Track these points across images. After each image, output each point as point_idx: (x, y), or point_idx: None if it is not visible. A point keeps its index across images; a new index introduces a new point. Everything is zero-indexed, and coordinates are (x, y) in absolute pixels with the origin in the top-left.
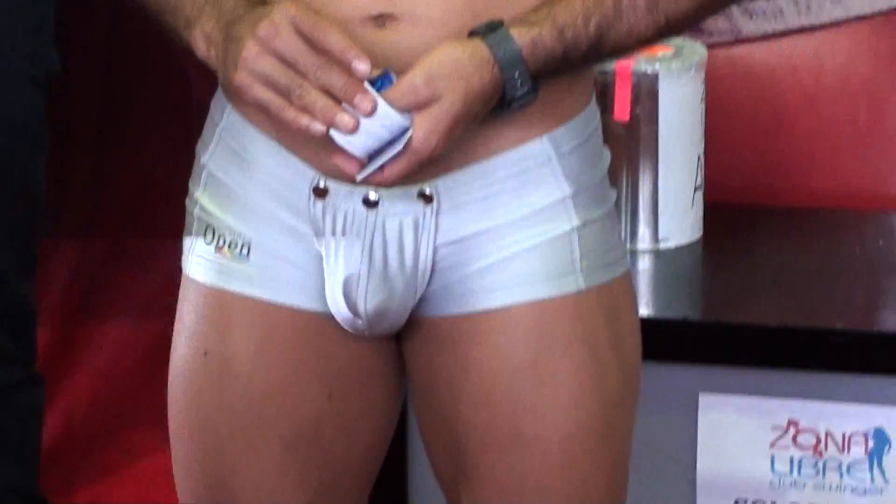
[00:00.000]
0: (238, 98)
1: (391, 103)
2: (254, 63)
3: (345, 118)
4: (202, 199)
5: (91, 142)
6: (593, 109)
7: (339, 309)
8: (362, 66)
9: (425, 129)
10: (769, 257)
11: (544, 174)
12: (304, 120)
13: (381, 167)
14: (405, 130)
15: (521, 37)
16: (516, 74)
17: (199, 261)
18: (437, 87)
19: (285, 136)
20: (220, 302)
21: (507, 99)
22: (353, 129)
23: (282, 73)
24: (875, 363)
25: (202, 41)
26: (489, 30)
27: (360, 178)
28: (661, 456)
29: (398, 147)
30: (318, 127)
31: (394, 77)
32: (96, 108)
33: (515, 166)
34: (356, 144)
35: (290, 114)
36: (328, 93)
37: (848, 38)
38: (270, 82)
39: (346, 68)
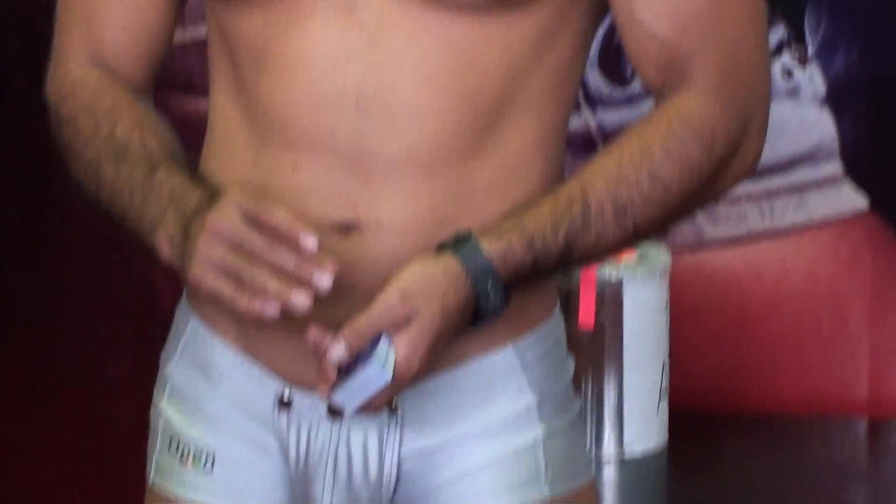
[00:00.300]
0: (198, 295)
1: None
2: (206, 252)
3: (300, 297)
4: (166, 409)
5: (53, 348)
6: (557, 317)
7: None
8: (311, 241)
9: (407, 351)
10: (735, 464)
11: (509, 384)
12: (258, 305)
13: (367, 406)
14: (377, 343)
15: (491, 248)
16: (489, 286)
17: (162, 472)
18: (413, 304)
19: (249, 344)
20: None
21: (481, 311)
22: (308, 306)
23: (233, 258)
24: None
25: (165, 244)
26: (458, 242)
27: (350, 411)
28: None
29: (375, 384)
30: (272, 310)
31: (386, 346)
32: (59, 317)
33: (480, 376)
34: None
35: (242, 302)
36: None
37: (811, 242)
38: (223, 270)
39: (295, 245)
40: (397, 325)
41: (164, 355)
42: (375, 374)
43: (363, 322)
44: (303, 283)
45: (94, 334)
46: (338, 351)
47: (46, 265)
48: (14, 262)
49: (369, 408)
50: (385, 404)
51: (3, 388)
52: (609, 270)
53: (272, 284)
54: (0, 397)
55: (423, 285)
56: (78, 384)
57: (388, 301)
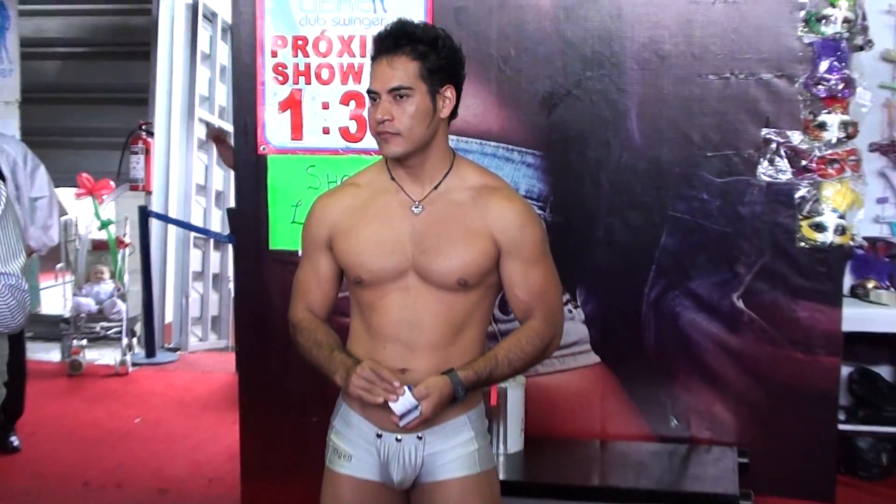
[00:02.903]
0: (350, 395)
1: (413, 396)
2: (356, 381)
3: (391, 395)
4: (332, 437)
5: None
6: (482, 403)
7: (386, 480)
8: (397, 383)
9: (426, 408)
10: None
11: (465, 428)
12: (376, 399)
13: (407, 424)
14: (416, 407)
15: (461, 374)
16: (459, 388)
17: (331, 461)
18: (430, 391)
19: (365, 413)
20: (338, 478)
21: (456, 397)
22: (396, 399)
23: (366, 384)
24: None
25: (339, 380)
26: (449, 372)
27: (401, 425)
28: None
29: (414, 413)
30: (380, 400)
31: (412, 387)
32: None
33: (454, 425)
34: (398, 410)
35: (369, 398)
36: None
37: (578, 375)
38: (363, 388)
39: (389, 383)
40: (423, 398)
41: (332, 417)
42: (414, 415)
43: (400, 383)
44: (389, 394)
45: None
46: (397, 383)
47: None
48: None
49: (409, 428)
50: (417, 428)
51: None
52: (503, 384)
53: (378, 392)
54: None
55: (433, 385)
56: None
57: (421, 389)
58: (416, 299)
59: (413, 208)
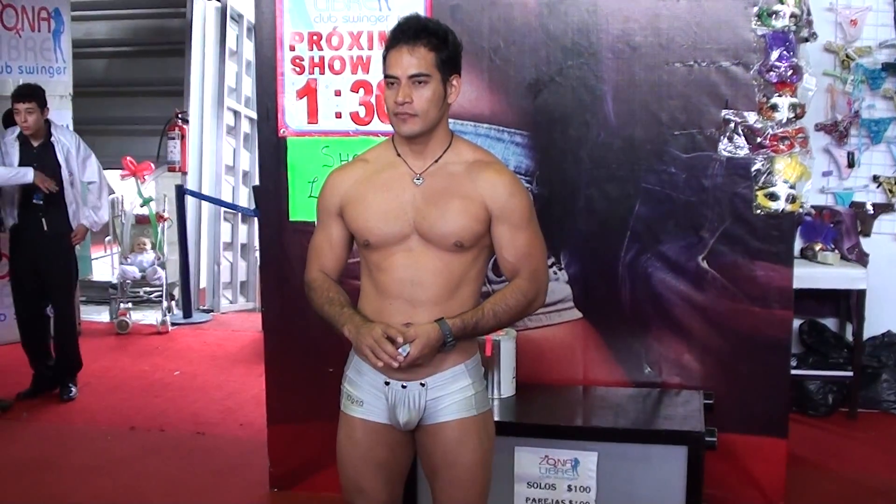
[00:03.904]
0: (360, 353)
1: (406, 342)
2: (365, 342)
3: (392, 362)
4: (346, 385)
5: None
6: (479, 354)
7: (394, 422)
8: (400, 339)
9: (413, 348)
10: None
11: (463, 376)
12: (377, 363)
13: (400, 363)
14: (405, 347)
15: (449, 321)
16: (448, 335)
17: (345, 406)
18: (418, 334)
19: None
20: (351, 420)
21: (446, 343)
22: (395, 364)
23: (374, 347)
24: None
25: (347, 333)
26: (439, 320)
27: (393, 365)
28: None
29: (401, 354)
30: (380, 364)
31: (409, 346)
32: None
33: (453, 373)
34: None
35: (372, 359)
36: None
37: (562, 329)
38: (370, 346)
39: (394, 341)
40: (412, 340)
41: (346, 368)
42: (404, 353)
43: (403, 338)
44: (391, 360)
45: None
46: (400, 338)
47: None
48: None
49: (401, 365)
50: (410, 370)
51: None
52: (496, 336)
53: (381, 356)
54: None
55: (422, 330)
56: None
57: (409, 333)
58: (418, 259)
59: (415, 180)
